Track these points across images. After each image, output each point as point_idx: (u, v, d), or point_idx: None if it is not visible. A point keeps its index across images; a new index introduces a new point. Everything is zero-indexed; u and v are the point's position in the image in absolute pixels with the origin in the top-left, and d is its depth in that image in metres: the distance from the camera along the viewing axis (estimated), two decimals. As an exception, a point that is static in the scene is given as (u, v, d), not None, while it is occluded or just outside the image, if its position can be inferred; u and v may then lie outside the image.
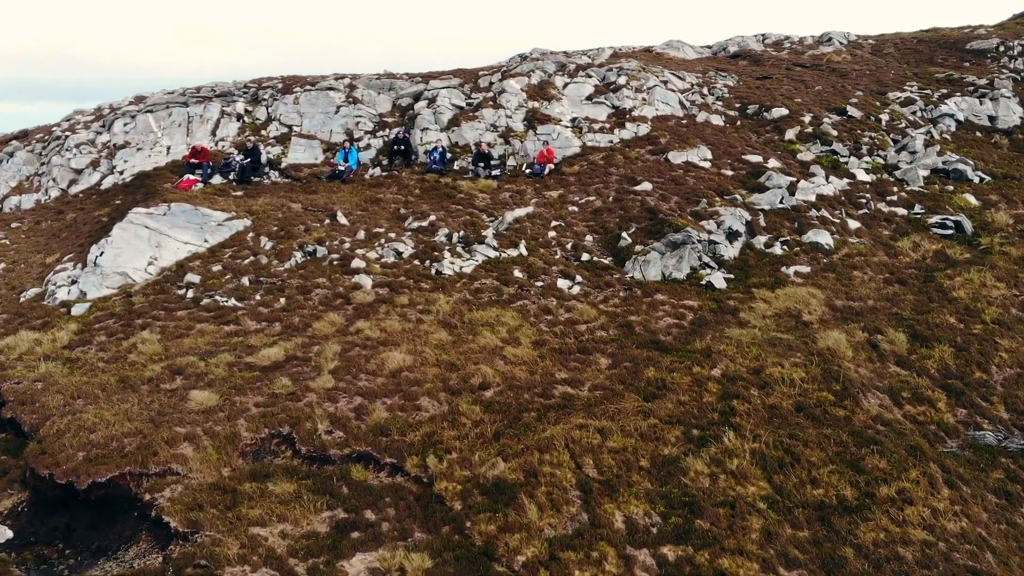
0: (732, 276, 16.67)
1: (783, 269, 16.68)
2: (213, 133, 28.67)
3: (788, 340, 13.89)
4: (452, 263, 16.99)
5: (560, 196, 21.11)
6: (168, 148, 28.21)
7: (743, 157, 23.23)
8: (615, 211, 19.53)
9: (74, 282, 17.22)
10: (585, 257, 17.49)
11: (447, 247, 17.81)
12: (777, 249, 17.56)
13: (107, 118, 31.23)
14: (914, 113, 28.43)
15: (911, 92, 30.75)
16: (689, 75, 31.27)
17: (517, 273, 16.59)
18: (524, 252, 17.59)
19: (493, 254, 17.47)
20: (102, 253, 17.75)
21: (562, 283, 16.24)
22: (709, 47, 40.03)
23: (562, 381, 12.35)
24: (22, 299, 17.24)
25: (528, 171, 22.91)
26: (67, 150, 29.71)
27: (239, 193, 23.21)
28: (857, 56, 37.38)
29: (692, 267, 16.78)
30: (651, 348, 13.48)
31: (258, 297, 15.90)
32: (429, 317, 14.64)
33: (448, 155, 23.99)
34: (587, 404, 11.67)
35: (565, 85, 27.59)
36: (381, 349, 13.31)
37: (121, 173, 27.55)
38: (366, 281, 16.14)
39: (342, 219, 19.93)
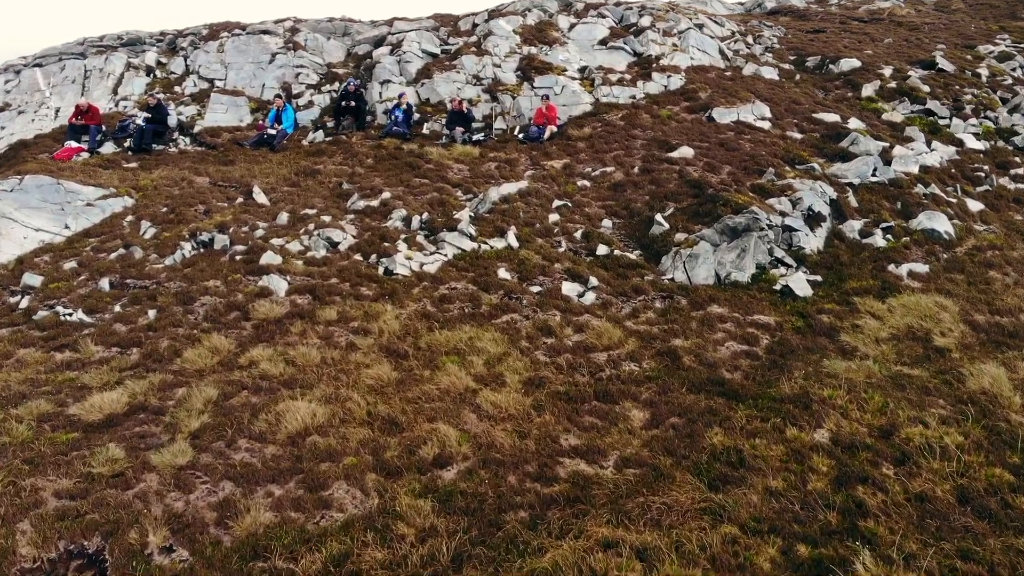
0: (819, 278, 12.78)
1: (891, 268, 12.80)
2: (115, 91, 24.74)
3: (922, 379, 9.99)
4: (409, 259, 13.06)
5: (565, 167, 17.20)
6: (57, 111, 24.25)
7: (814, 116, 19.41)
8: (643, 186, 15.62)
9: None
10: (602, 250, 13.58)
11: (404, 236, 13.88)
12: (878, 239, 13.67)
13: (-17, 73, 27.18)
14: (1014, 70, 24.62)
15: (1005, 46, 26.97)
16: (728, 22, 27.51)
17: (503, 274, 12.67)
18: (514, 243, 13.67)
19: (469, 246, 13.55)
20: (-98, 243, 13.77)
21: (569, 288, 12.32)
22: (741, 3, 37.15)
23: (571, 451, 8.41)
24: None
25: (521, 135, 19.05)
26: (-73, 112, 25.66)
27: (133, 164, 19.33)
28: (921, 12, 33.95)
29: (760, 264, 12.88)
30: (711, 393, 9.56)
31: (118, 308, 11.95)
32: (366, 341, 10.70)
33: (415, 115, 20.10)
34: (613, 495, 7.73)
35: (571, 27, 23.71)
36: (281, 395, 9.35)
37: (-7, 142, 23.52)
38: (278, 285, 12.19)
39: (260, 197, 16.00)
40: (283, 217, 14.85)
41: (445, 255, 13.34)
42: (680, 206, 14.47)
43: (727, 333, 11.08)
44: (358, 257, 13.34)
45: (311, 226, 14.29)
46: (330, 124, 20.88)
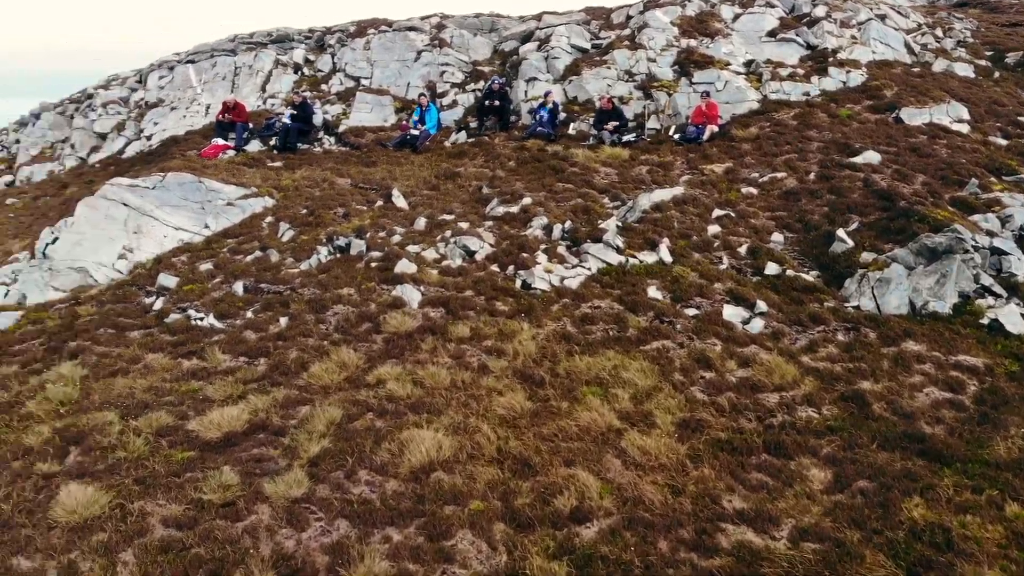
0: (1039, 313, 10.87)
1: None
2: (263, 88, 25.58)
3: None
4: (549, 272, 12.26)
5: (727, 171, 15.89)
6: (207, 107, 25.36)
7: (1019, 119, 17.07)
8: (820, 195, 14.07)
9: (15, 280, 13.94)
10: (772, 269, 12.22)
11: (544, 246, 13.09)
12: (1116, 268, 11.52)
13: (144, 71, 28.98)
14: None
15: None
16: (913, 13, 24.99)
17: (653, 292, 11.62)
18: (667, 258, 12.57)
19: (616, 259, 12.58)
20: (54, 240, 14.41)
21: (732, 313, 11.10)
22: (923, -7, 33.83)
23: (736, 515, 7.28)
24: (-48, 300, 14.17)
25: (678, 135, 17.86)
26: (92, 110, 27.62)
27: (277, 163, 19.69)
28: None
29: (963, 293, 11.12)
30: (908, 452, 8.11)
31: (249, 314, 11.86)
32: (500, 363, 9.97)
33: (560, 115, 19.31)
34: (788, 575, 6.55)
35: (736, 17, 22.20)
36: (407, 420, 8.76)
37: (149, 138, 24.98)
38: (412, 296, 11.71)
39: (399, 200, 15.72)
40: (420, 222, 14.45)
41: (588, 269, 12.43)
42: (866, 220, 12.84)
43: (926, 376, 9.51)
44: (494, 268, 12.68)
45: (448, 232, 13.79)
46: (473, 124, 20.48)
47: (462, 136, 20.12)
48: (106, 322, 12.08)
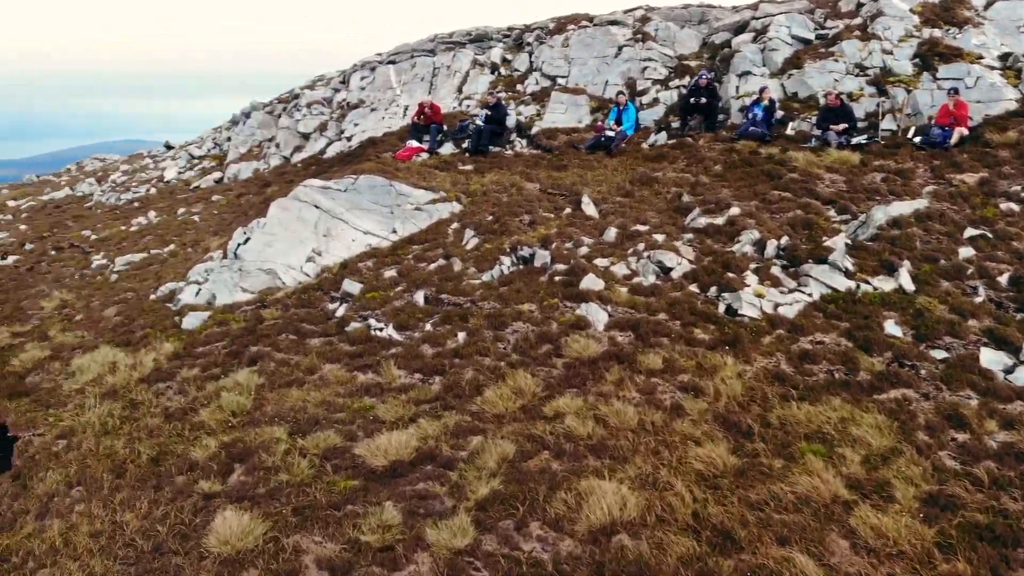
0: None
1: None
2: (459, 89, 25.77)
3: None
4: (760, 296, 10.88)
5: (982, 182, 13.65)
6: (405, 109, 25.93)
7: None
8: (1113, 214, 11.62)
9: (207, 279, 14.54)
10: (1046, 306, 10.12)
11: (754, 265, 11.71)
12: None
13: (347, 72, 30.23)
14: None
15: None
16: None
17: (891, 328, 9.94)
18: (908, 285, 10.78)
19: (843, 284, 10.96)
20: (246, 240, 14.91)
21: (991, 358, 9.22)
22: None
23: (1005, 635, 5.75)
24: (153, 297, 15.07)
25: (918, 138, 15.69)
26: (297, 110, 29.14)
27: (468, 167, 19.55)
28: None
29: None
30: None
31: (428, 327, 11.49)
32: (698, 405, 8.81)
33: (777, 112, 17.62)
34: None
35: (988, 4, 19.50)
36: (587, 465, 7.86)
37: (348, 139, 25.91)
38: (597, 316, 10.80)
39: (589, 208, 14.89)
40: (611, 233, 13.52)
41: (809, 295, 10.91)
42: None
43: None
44: (693, 288, 11.48)
45: (640, 246, 12.75)
46: (675, 124, 19.27)
47: (662, 137, 18.95)
48: (288, 327, 12.19)
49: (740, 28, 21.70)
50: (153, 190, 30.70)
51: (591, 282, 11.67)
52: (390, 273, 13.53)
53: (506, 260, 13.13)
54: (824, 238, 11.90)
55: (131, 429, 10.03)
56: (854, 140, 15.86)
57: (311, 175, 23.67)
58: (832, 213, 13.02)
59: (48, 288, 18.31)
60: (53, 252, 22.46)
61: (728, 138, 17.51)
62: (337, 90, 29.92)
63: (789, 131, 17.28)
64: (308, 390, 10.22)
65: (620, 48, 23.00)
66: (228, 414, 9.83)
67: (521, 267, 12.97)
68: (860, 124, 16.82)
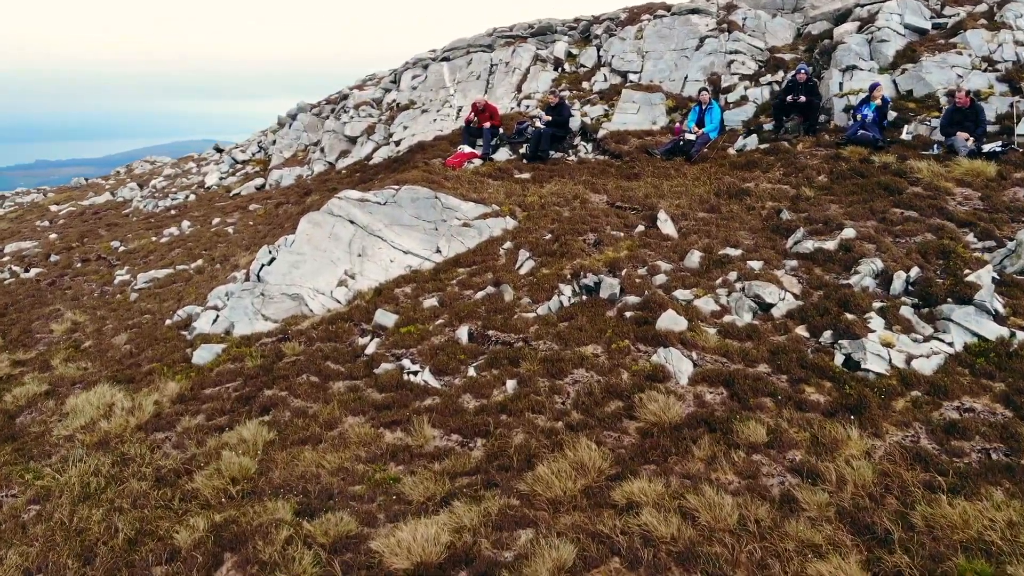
0: None
1: None
2: (519, 88, 24.28)
3: None
4: (888, 345, 9.01)
5: None
6: (459, 110, 24.57)
7: None
8: None
9: (226, 303, 13.28)
10: None
11: (878, 303, 9.83)
12: None
13: (399, 71, 29.04)
14: None
15: None
16: None
17: (1067, 393, 7.98)
18: (1082, 334, 8.79)
19: (993, 332, 9.02)
20: (271, 260, 13.61)
21: None
22: None
23: None
24: (168, 322, 13.89)
25: (1072, 145, 13.50)
26: (344, 112, 28.04)
27: (525, 175, 18.05)
28: None
29: None
30: None
31: (471, 372, 9.94)
32: (816, 497, 7.03)
33: (890, 114, 15.61)
34: None
35: None
36: (670, 584, 6.16)
37: (397, 143, 24.66)
38: (680, 366, 9.09)
39: (666, 226, 13.19)
40: (693, 257, 11.78)
41: (949, 344, 8.99)
42: None
43: None
44: (801, 331, 9.66)
45: (732, 275, 10.98)
46: (767, 126, 17.38)
47: (752, 141, 17.08)
48: (310, 366, 10.81)
49: (842, 17, 19.68)
50: (192, 197, 30.03)
51: (671, 320, 9.95)
52: (430, 302, 12.03)
53: (566, 289, 11.50)
54: (965, 271, 9.93)
55: (114, 495, 8.68)
56: (986, 148, 13.76)
57: (355, 183, 22.50)
58: (971, 238, 11.01)
59: (63, 307, 17.41)
60: (79, 264, 21.72)
61: (832, 143, 15.57)
62: (387, 90, 28.76)
63: (905, 135, 15.26)
64: (324, 451, 8.76)
65: (702, 39, 21.18)
66: (227, 480, 8.41)
67: (584, 298, 11.33)
68: (991, 128, 14.70)
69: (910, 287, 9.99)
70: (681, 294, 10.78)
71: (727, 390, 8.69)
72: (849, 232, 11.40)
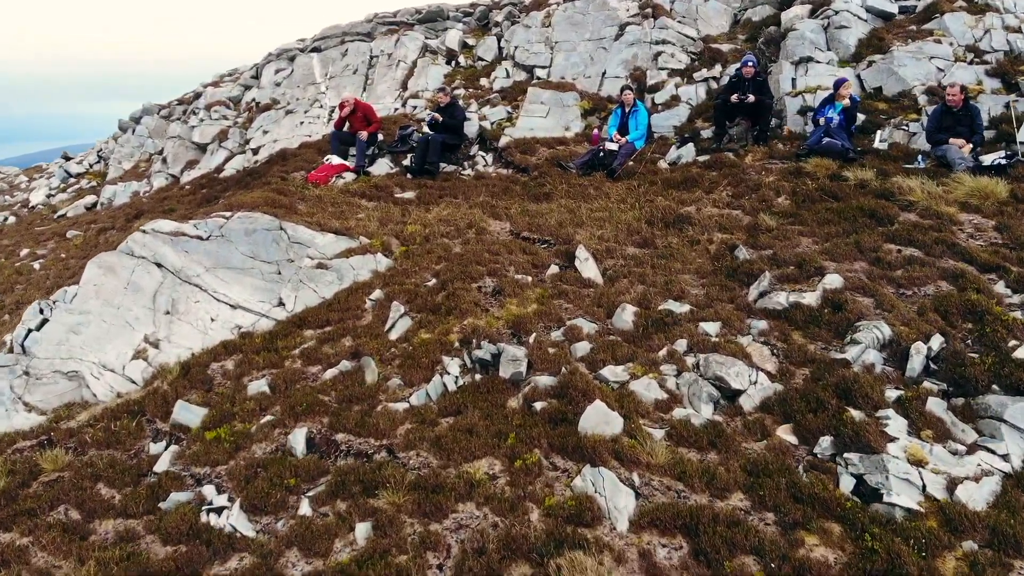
0: None
1: None
2: (404, 84, 21.49)
3: None
4: (918, 461, 6.56)
5: None
6: (332, 111, 21.63)
7: None
8: None
9: (-30, 389, 10.02)
10: None
11: (892, 391, 7.40)
12: None
13: (260, 64, 25.89)
14: None
15: None
16: None
17: None
18: None
19: (1063, 434, 6.67)
20: (41, 324, 10.42)
21: None
22: None
23: None
24: None
25: (1091, 156, 11.55)
26: (194, 114, 24.70)
27: (408, 193, 15.32)
28: None
29: None
30: None
31: (304, 508, 7.10)
32: None
33: (858, 115, 13.51)
34: None
35: None
36: None
37: (255, 151, 21.50)
38: (615, 498, 6.47)
39: (587, 267, 10.65)
40: (626, 315, 9.20)
41: (1004, 459, 6.60)
42: None
43: None
44: (786, 435, 7.16)
45: (680, 344, 8.43)
46: (706, 133, 15.09)
47: (688, 152, 14.75)
48: (73, 493, 7.86)
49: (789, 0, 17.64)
50: (12, 219, 26.21)
51: (599, 418, 7.30)
52: (258, 386, 9.09)
53: (453, 365, 8.76)
54: (1010, 341, 7.59)
55: None
56: (987, 159, 11.67)
57: (198, 201, 19.41)
58: (1002, 288, 8.69)
59: None
60: None
61: (790, 154, 13.33)
62: (248, 87, 25.57)
63: (879, 144, 13.14)
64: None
65: (622, 27, 18.84)
66: None
67: (478, 377, 8.60)
68: (985, 134, 12.68)
69: (933, 365, 7.60)
70: (612, 372, 8.15)
71: (688, 542, 6.08)
72: (834, 280, 8.99)
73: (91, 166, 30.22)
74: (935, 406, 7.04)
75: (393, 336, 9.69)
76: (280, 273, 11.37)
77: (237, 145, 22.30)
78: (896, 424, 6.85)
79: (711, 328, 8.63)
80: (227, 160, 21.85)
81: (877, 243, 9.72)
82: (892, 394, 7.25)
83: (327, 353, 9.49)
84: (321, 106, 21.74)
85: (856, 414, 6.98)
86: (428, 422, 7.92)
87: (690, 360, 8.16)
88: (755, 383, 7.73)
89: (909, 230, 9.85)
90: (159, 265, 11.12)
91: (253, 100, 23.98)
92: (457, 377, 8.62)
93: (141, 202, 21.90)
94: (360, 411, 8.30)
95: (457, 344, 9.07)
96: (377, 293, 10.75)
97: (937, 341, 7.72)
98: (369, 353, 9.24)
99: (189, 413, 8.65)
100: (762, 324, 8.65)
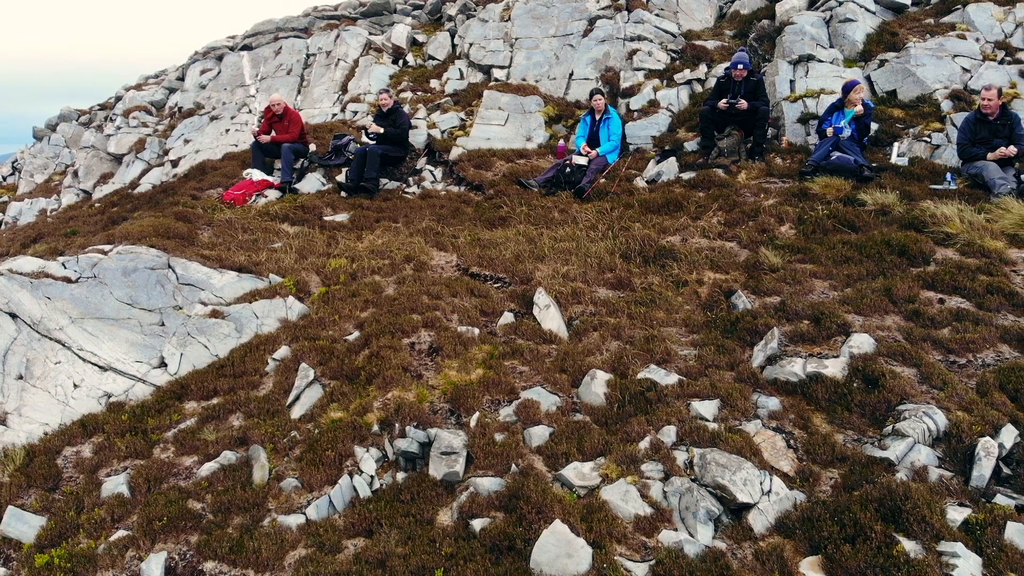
0: None
1: None
2: (343, 87, 19.69)
3: None
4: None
5: None
6: (261, 117, 19.71)
7: None
8: None
9: None
10: None
11: (957, 510, 5.66)
12: None
13: (185, 64, 23.95)
14: None
15: None
16: None
17: None
18: None
19: None
20: None
21: None
22: None
23: None
24: None
25: None
26: (110, 121, 22.71)
27: (339, 216, 13.59)
28: None
29: None
30: None
31: None
32: None
33: (871, 123, 11.93)
34: None
35: None
36: None
37: (175, 163, 19.57)
38: None
39: (548, 316, 8.98)
40: (596, 385, 7.43)
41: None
42: None
43: None
44: (813, 574, 5.39)
45: (667, 433, 6.65)
46: (691, 145, 13.39)
47: (669, 167, 13.05)
48: None
49: (783, -11, 16.04)
50: (-99, 240, 23.95)
51: (560, 547, 5.52)
52: (115, 484, 7.22)
53: (368, 459, 6.96)
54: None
55: None
56: (1032, 177, 10.05)
57: (105, 222, 17.38)
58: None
59: None
60: None
61: (791, 170, 11.66)
62: (172, 90, 23.60)
63: (896, 159, 11.51)
64: None
65: (592, 21, 17.15)
66: None
67: (401, 476, 6.80)
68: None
69: (1006, 468, 5.89)
70: (578, 473, 6.36)
71: None
72: (863, 342, 7.26)
73: (4, 179, 28.10)
74: (1017, 535, 5.32)
75: (296, 413, 7.86)
76: (164, 324, 9.48)
77: (156, 156, 20.35)
78: (966, 565, 5.11)
79: (707, 409, 6.86)
80: (143, 173, 19.88)
81: (913, 290, 8.01)
82: (956, 515, 5.50)
83: (205, 440, 7.61)
84: (250, 111, 19.84)
85: (910, 546, 5.23)
86: (328, 547, 6.12)
87: (681, 457, 6.38)
88: (768, 493, 5.96)
89: (952, 273, 8.14)
90: (13, 316, 9.20)
91: (176, 105, 22.03)
92: (373, 477, 6.82)
93: (45, 222, 19.87)
94: (240, 526, 6.48)
95: (376, 428, 7.25)
96: (283, 351, 8.91)
97: (1010, 435, 6.01)
98: (260, 440, 7.41)
99: (22, 524, 6.79)
100: (773, 403, 6.90)
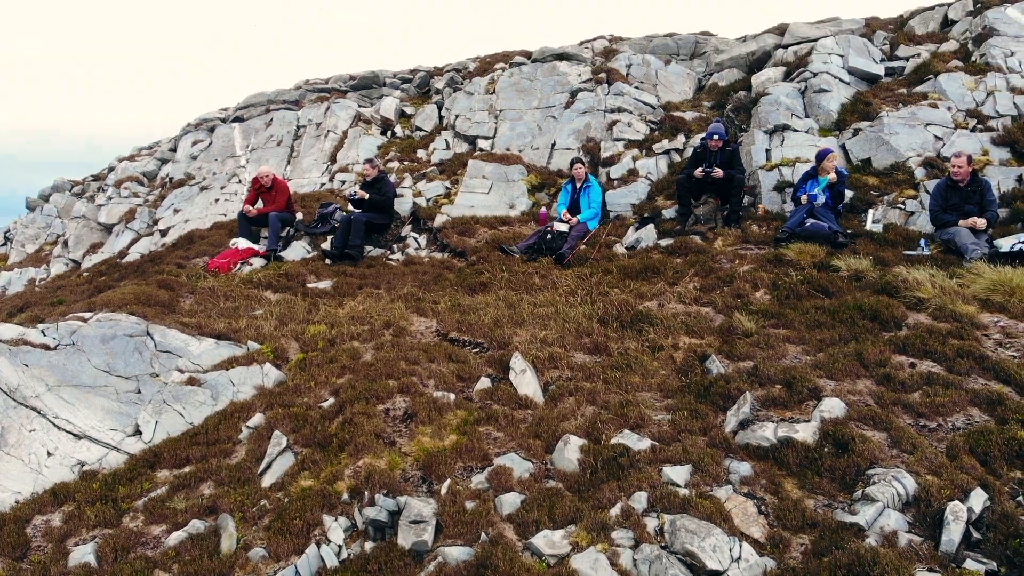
0: None
1: None
2: (332, 157, 19.87)
3: None
4: None
5: None
6: (249, 188, 19.87)
7: None
8: None
9: None
10: None
11: (914, 568, 5.54)
12: None
13: (178, 136, 24.20)
14: None
15: None
16: None
17: None
18: None
19: None
20: None
21: None
22: None
23: None
24: None
25: None
26: (102, 191, 22.84)
27: (323, 283, 13.56)
28: None
29: None
30: None
31: None
32: None
33: (845, 190, 12.05)
34: None
35: None
36: None
37: (164, 233, 19.63)
38: None
39: (524, 381, 8.92)
40: (569, 450, 7.35)
41: None
42: None
43: None
44: (785, 643, 5.27)
45: (639, 499, 6.55)
46: (669, 212, 13.50)
47: (648, 234, 13.13)
48: None
49: (759, 62, 16.36)
50: None
51: (523, 619, 5.38)
52: (82, 554, 7.06)
53: (336, 528, 6.82)
54: (1083, 501, 5.83)
55: None
56: (1005, 244, 10.10)
57: (91, 291, 17.34)
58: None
59: None
60: None
61: (766, 237, 11.73)
62: (164, 161, 23.80)
63: (871, 225, 11.61)
64: None
65: (574, 93, 17.41)
66: None
67: (369, 545, 6.66)
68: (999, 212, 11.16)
69: (975, 532, 5.79)
70: (548, 542, 6.24)
71: None
72: (834, 406, 7.21)
73: (-5, 249, 28.14)
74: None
75: (267, 481, 7.74)
76: (140, 391, 9.39)
77: (145, 226, 20.41)
78: (940, 635, 4.99)
79: (679, 474, 6.77)
80: (132, 243, 19.93)
81: (884, 354, 7.98)
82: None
83: (174, 509, 7.48)
84: (240, 181, 19.99)
85: (878, 615, 5.12)
86: (293, 618, 5.96)
87: (651, 524, 6.27)
88: (738, 559, 5.85)
89: (923, 337, 8.13)
90: (-14, 381, 9.12)
91: (168, 176, 22.21)
92: (341, 547, 6.68)
93: (33, 292, 19.85)
94: (204, 597, 6.32)
95: (346, 496, 7.13)
96: (257, 418, 8.81)
97: (979, 499, 5.92)
98: (229, 509, 7.27)
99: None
100: (745, 468, 6.81)
